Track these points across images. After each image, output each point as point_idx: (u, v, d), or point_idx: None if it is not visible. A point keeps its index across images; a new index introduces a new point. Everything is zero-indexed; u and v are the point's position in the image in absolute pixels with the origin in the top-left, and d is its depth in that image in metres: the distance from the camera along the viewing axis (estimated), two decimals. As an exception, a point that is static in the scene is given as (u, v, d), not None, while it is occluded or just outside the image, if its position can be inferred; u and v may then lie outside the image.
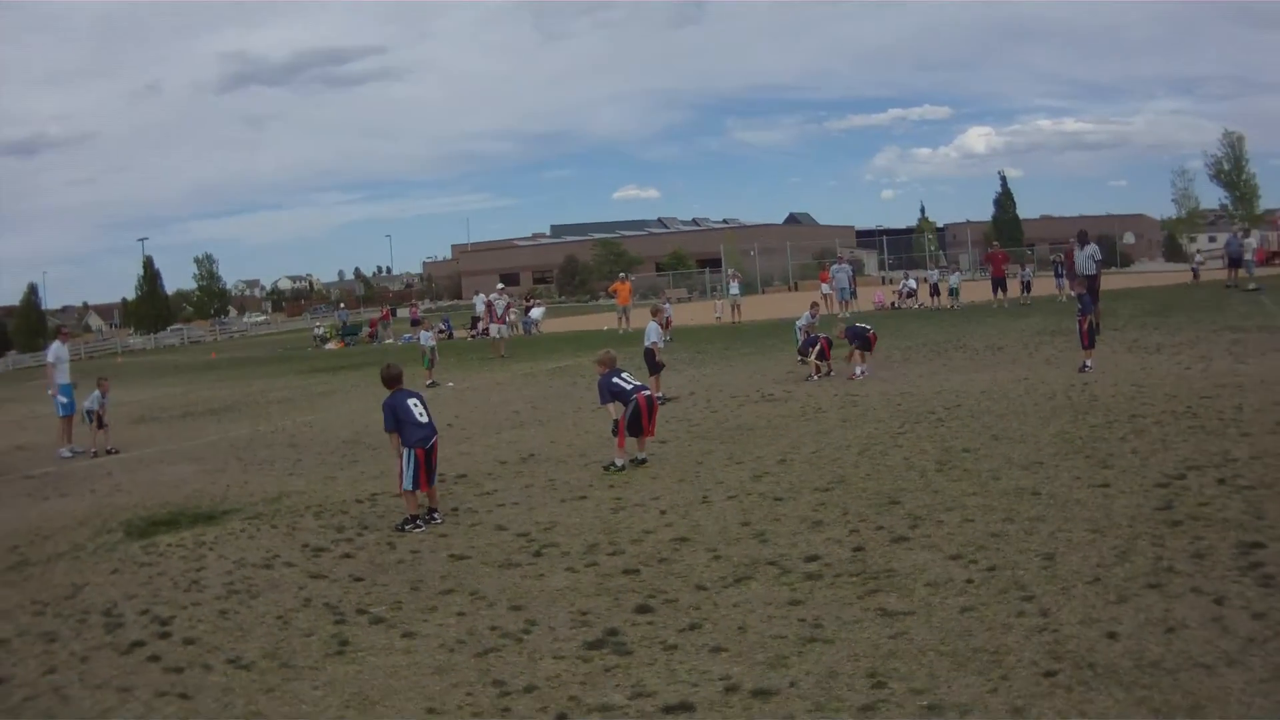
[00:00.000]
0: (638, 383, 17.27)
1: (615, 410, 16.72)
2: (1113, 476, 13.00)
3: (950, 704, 6.99)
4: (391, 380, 14.69)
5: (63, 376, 26.00)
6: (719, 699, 7.53)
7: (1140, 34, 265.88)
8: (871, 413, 19.70)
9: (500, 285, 59.19)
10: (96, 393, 25.35)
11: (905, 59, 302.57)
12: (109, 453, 24.80)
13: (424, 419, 14.30)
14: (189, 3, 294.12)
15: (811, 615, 9.08)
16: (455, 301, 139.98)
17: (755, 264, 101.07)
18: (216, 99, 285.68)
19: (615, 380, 16.77)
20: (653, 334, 24.89)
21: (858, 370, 24.89)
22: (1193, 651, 7.57)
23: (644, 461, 16.92)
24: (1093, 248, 32.36)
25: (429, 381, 33.95)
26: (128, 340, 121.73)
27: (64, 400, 25.73)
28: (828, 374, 25.55)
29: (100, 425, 25.36)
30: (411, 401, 14.39)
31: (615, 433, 16.87)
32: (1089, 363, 22.56)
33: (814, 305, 31.12)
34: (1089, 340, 23.11)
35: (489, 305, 51.37)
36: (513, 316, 58.41)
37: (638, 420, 16.77)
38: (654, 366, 24.29)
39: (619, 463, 16.74)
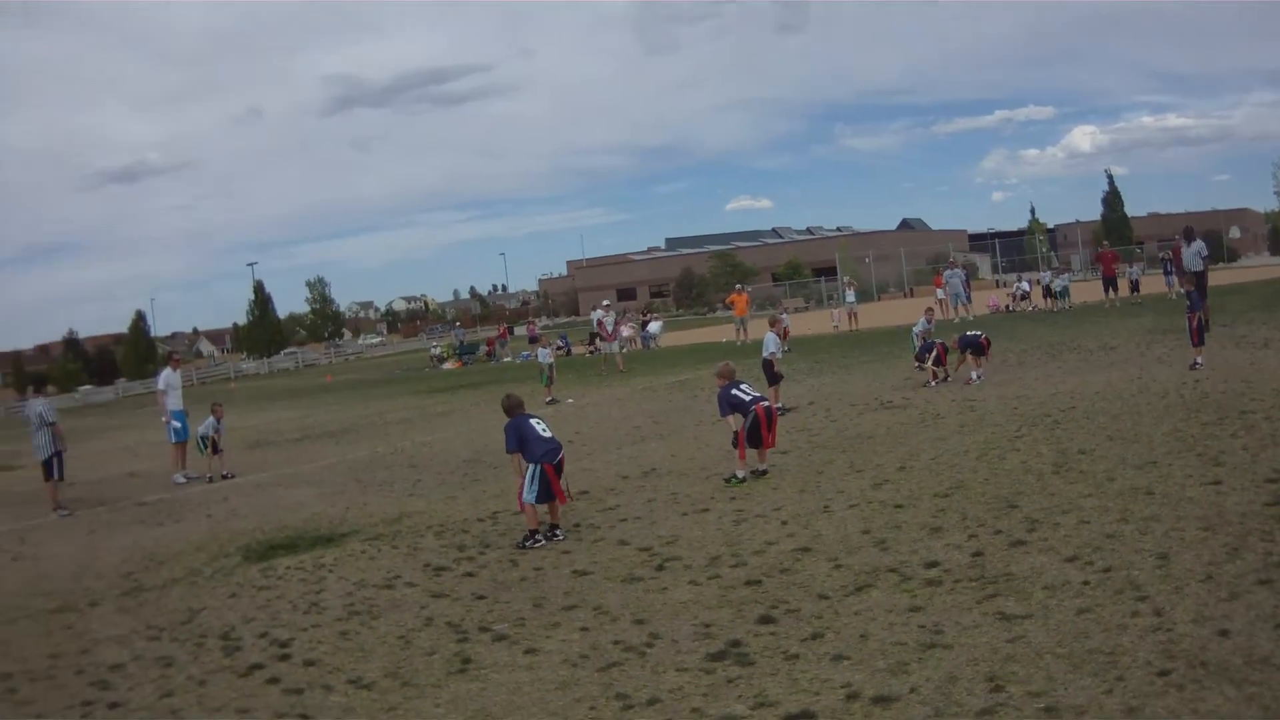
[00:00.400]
0: (757, 394, 17.20)
1: (735, 422, 16.69)
2: (1224, 473, 12.89)
3: (1067, 706, 7.04)
4: (512, 409, 14.90)
5: (174, 403, 26.10)
6: (840, 706, 7.61)
7: (1235, 25, 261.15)
8: (989, 417, 19.63)
9: (605, 302, 59.26)
10: (211, 419, 25.49)
11: (1007, 59, 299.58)
12: (224, 478, 24.99)
13: (547, 434, 14.54)
14: (289, 27, 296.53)
15: (931, 621, 9.12)
16: (572, 318, 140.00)
17: (870, 271, 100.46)
18: (320, 122, 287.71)
19: (734, 392, 16.79)
20: (771, 345, 24.75)
21: (973, 375, 24.79)
22: (1304, 647, 7.57)
23: (765, 473, 16.91)
24: (1199, 244, 32.03)
25: (548, 399, 34.08)
26: (240, 365, 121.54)
27: (176, 426, 25.79)
28: (944, 380, 25.47)
29: (215, 451, 25.46)
30: (534, 420, 14.73)
31: (735, 445, 16.88)
32: (1199, 360, 22.31)
33: (929, 310, 30.97)
34: (1198, 337, 22.86)
35: (599, 323, 51.41)
36: (627, 332, 58.54)
37: (757, 431, 16.72)
38: (773, 377, 24.24)
39: (740, 475, 16.71)
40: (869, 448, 18.28)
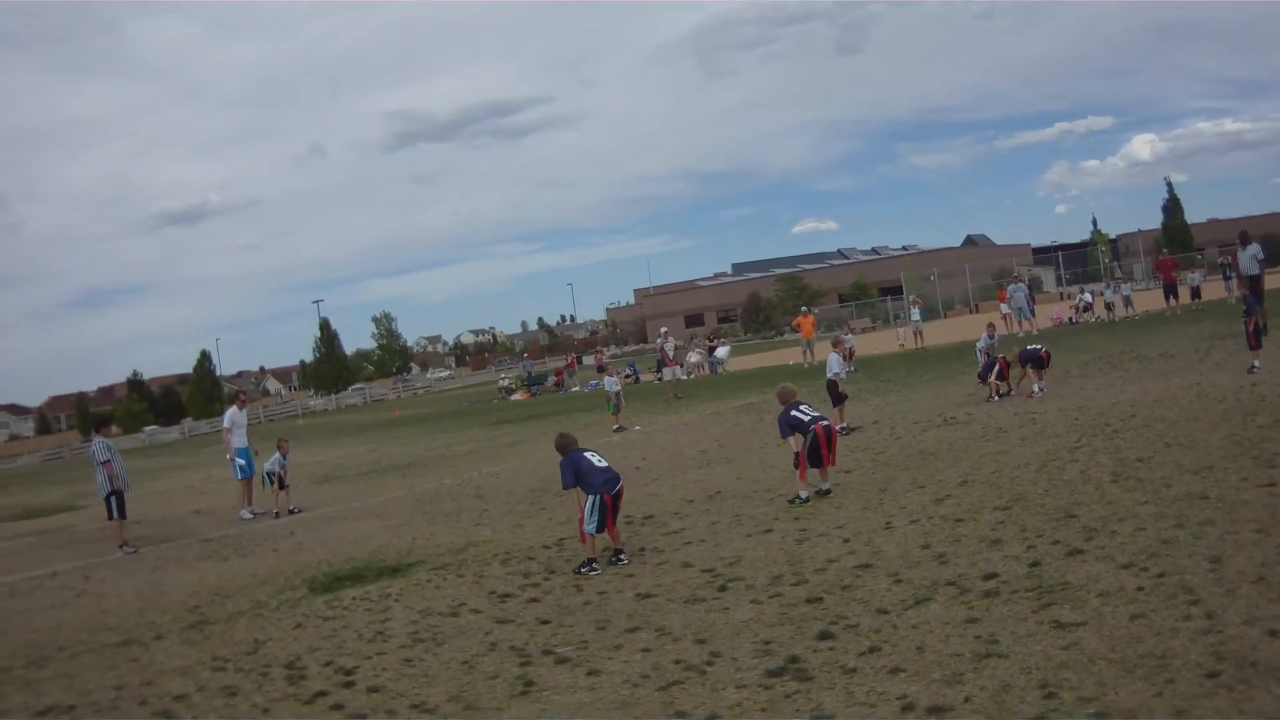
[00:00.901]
0: (816, 414, 17.16)
1: (795, 443, 16.70)
2: (1278, 475, 12.83)
3: (1117, 709, 7.04)
4: (565, 447, 14.96)
5: (240, 440, 26.36)
6: (896, 718, 7.60)
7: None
8: (1049, 429, 19.55)
9: (664, 329, 59.43)
10: (277, 455, 25.60)
11: (1064, 71, 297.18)
12: (291, 513, 25.08)
13: (603, 464, 14.59)
14: (348, 64, 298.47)
15: (987, 632, 9.12)
16: (640, 346, 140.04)
17: (935, 288, 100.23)
18: (384, 158, 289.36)
19: (793, 414, 16.79)
20: (834, 365, 24.90)
21: (1035, 388, 24.69)
22: (1352, 646, 7.55)
23: (828, 492, 16.86)
24: (1254, 247, 31.83)
25: (615, 427, 34.08)
26: (308, 402, 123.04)
27: (241, 463, 26.08)
28: (1007, 394, 25.38)
29: (281, 486, 25.53)
30: (589, 454, 14.78)
31: (796, 465, 16.90)
32: (1257, 363, 22.19)
33: (990, 326, 30.89)
34: (1256, 341, 22.78)
35: (661, 350, 51.55)
36: (695, 358, 58.61)
37: (817, 451, 16.72)
38: (837, 398, 24.35)
39: (803, 495, 16.73)
40: (931, 464, 18.28)
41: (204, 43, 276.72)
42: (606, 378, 41.69)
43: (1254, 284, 30.73)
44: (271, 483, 25.55)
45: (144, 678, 11.74)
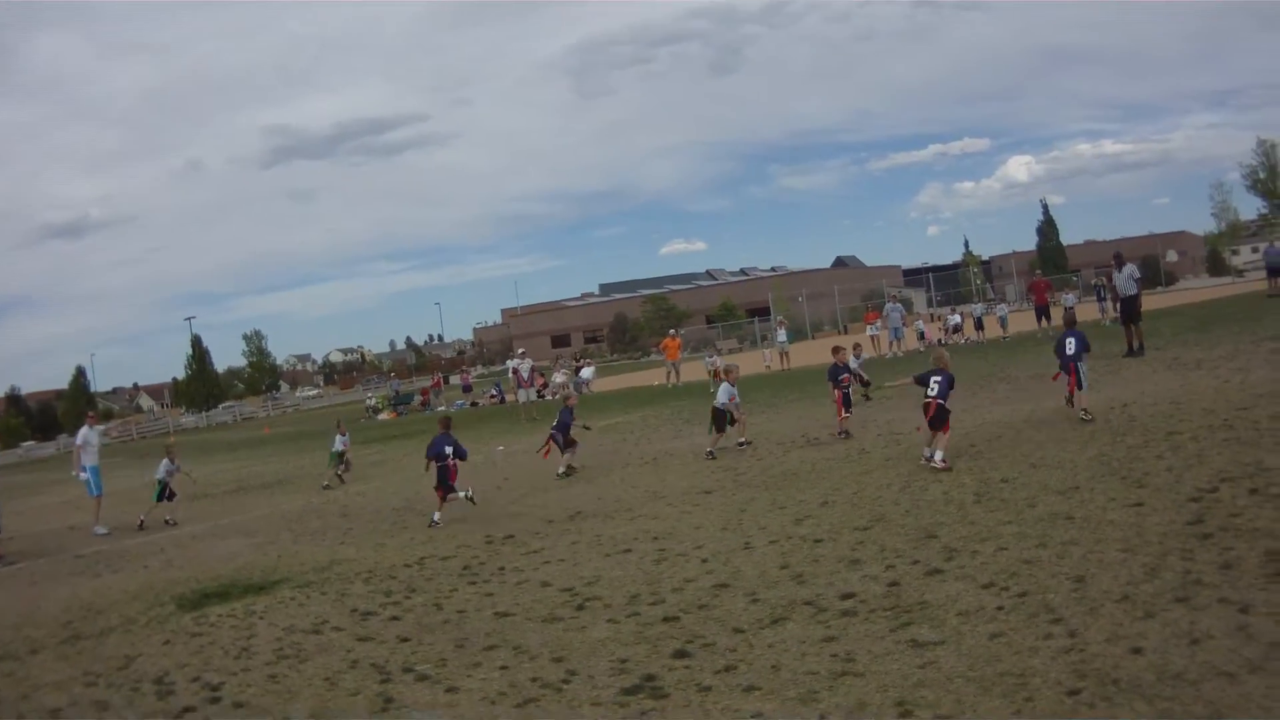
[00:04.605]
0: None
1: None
2: (1146, 495, 13.14)
3: (974, 726, 7.19)
4: (442, 425, 21.62)
5: (90, 459, 26.81)
6: (750, 735, 7.73)
7: (1171, 49, 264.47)
8: (913, 450, 19.65)
9: (520, 350, 59.67)
10: (165, 461, 26.15)
11: (943, 93, 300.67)
12: (167, 523, 25.51)
13: (444, 448, 20.55)
14: (228, 79, 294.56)
15: (844, 650, 9.30)
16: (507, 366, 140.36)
17: (804, 310, 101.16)
18: (260, 174, 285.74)
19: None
20: (724, 394, 25.12)
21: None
22: (1216, 661, 7.79)
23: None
24: (1130, 267, 32.40)
25: (324, 484, 31.15)
26: (180, 419, 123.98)
27: (90, 480, 26.60)
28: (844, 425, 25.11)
29: (169, 497, 26.22)
30: (444, 440, 20.69)
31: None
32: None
33: (857, 346, 31.24)
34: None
35: (515, 371, 51.67)
36: (560, 378, 58.69)
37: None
38: (720, 424, 24.60)
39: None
40: (793, 485, 18.47)
41: (89, 58, 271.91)
42: (337, 435, 33.65)
43: (1129, 304, 31.34)
44: (165, 492, 26.31)
45: (20, 691, 11.96)
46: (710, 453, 23.67)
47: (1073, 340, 21.33)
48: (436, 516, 20.16)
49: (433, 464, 20.73)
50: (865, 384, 27.75)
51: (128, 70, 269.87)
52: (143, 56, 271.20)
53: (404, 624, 12.87)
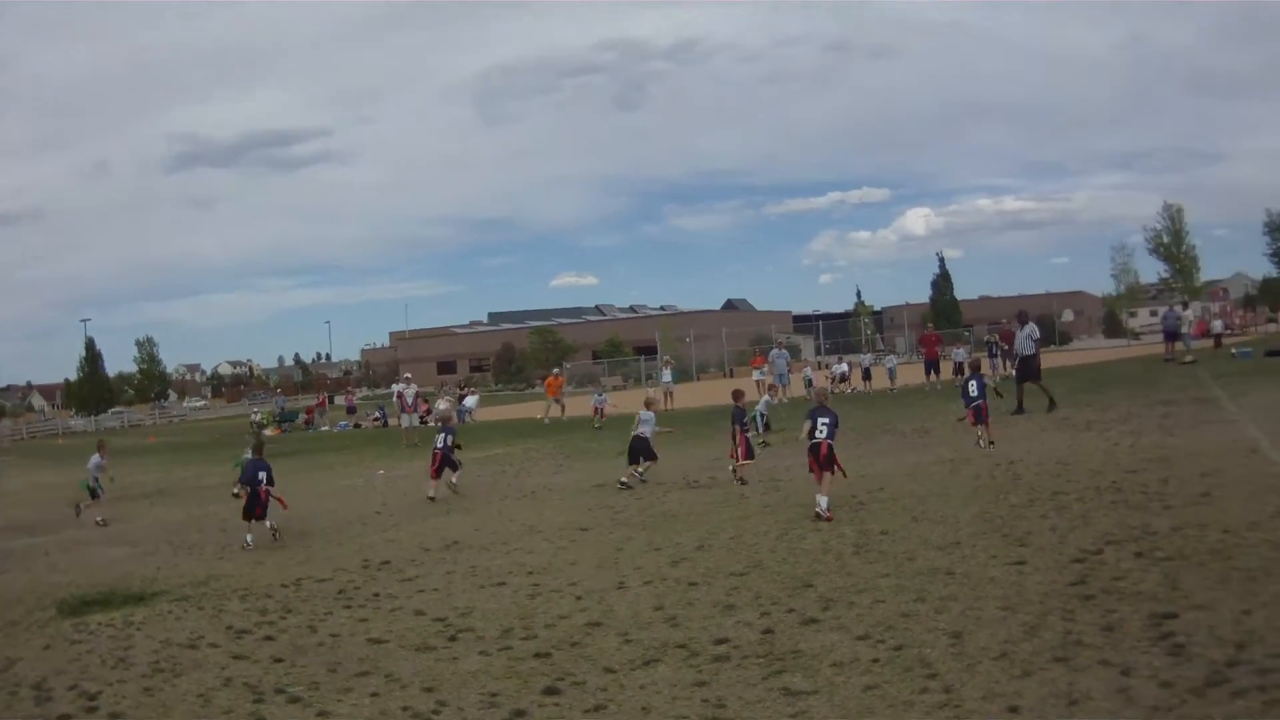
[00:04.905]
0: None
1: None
2: (1029, 554, 13.15)
3: (844, 779, 7.07)
4: (255, 450, 22.50)
5: None
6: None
7: (1081, 109, 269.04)
8: (793, 497, 19.73)
9: (406, 375, 59.61)
10: (96, 456, 27.08)
11: (846, 141, 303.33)
12: (98, 524, 26.02)
13: (257, 474, 21.13)
14: (140, 79, 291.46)
15: (715, 695, 9.23)
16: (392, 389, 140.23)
17: (691, 350, 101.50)
18: (164, 179, 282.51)
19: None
20: (648, 422, 25.37)
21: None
22: (1094, 722, 7.69)
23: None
24: (1030, 327, 32.70)
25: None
26: (69, 421, 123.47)
27: None
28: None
29: (94, 496, 27.03)
30: (257, 465, 21.38)
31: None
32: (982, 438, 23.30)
33: (772, 389, 31.43)
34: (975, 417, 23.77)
35: (399, 395, 51.53)
36: (444, 405, 58.39)
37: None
38: (648, 454, 24.81)
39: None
40: (670, 526, 18.41)
41: (13, 47, 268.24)
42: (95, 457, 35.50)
43: (1028, 363, 31.62)
44: (97, 491, 27.05)
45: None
46: (623, 482, 23.86)
47: (974, 383, 23.95)
48: (249, 539, 20.48)
49: (245, 489, 21.31)
50: (766, 428, 27.65)
51: (45, 59, 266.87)
52: (61, 46, 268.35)
53: (278, 644, 12.79)
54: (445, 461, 25.84)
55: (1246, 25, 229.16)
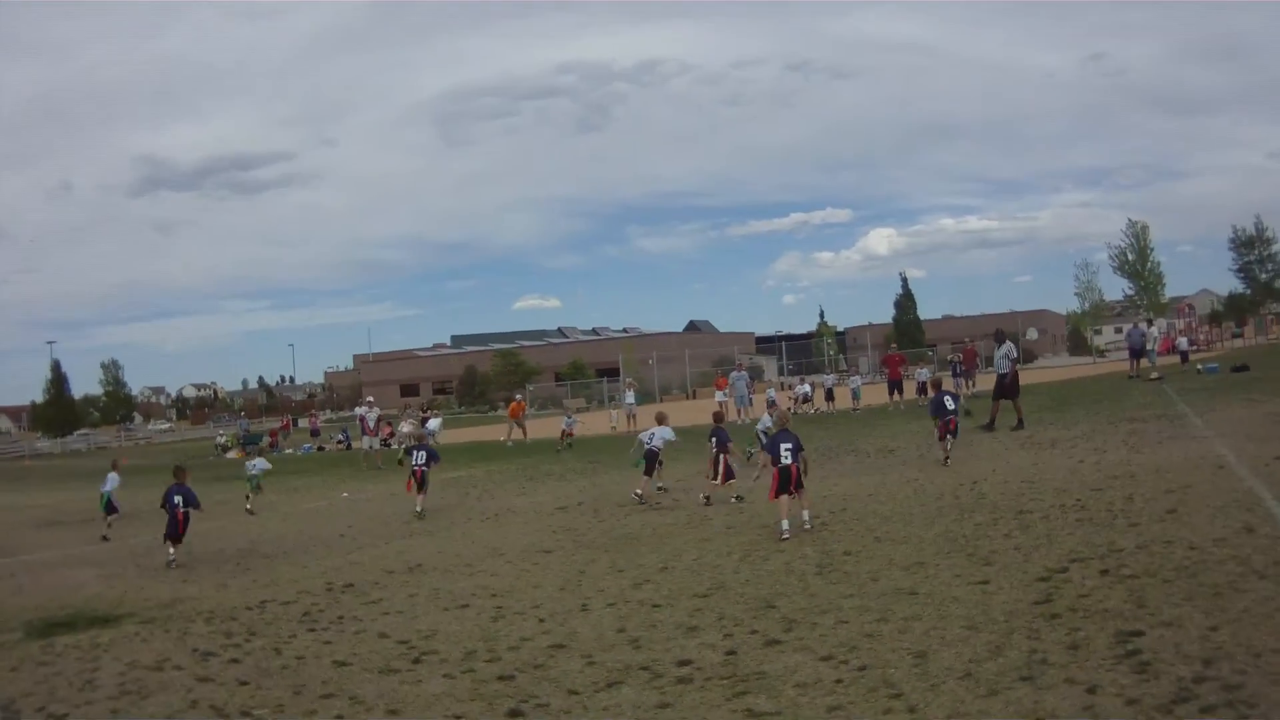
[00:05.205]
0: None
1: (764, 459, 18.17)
2: (993, 573, 13.17)
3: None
4: (174, 474, 23.44)
5: None
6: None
7: (1046, 127, 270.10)
8: (756, 519, 19.77)
9: (369, 399, 59.66)
10: (113, 474, 28.24)
11: (808, 162, 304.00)
12: (104, 540, 26.47)
13: (174, 498, 22.14)
14: (105, 100, 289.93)
15: (679, 717, 9.24)
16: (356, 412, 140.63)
17: (654, 372, 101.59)
18: (127, 202, 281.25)
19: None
20: (665, 436, 25.32)
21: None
22: (1059, 741, 7.70)
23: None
24: (1007, 345, 33.17)
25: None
26: (35, 443, 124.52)
27: None
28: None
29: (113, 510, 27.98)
30: (175, 490, 22.33)
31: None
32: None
33: (771, 406, 31.57)
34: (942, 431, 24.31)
35: (362, 419, 51.53)
36: (407, 428, 58.40)
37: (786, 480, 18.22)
38: (651, 467, 24.81)
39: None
40: (633, 548, 18.42)
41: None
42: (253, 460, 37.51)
43: (999, 381, 31.90)
44: (113, 507, 27.99)
45: None
46: (638, 495, 23.92)
47: (949, 398, 25.04)
48: (172, 552, 21.66)
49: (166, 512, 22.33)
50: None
51: (5, 74, 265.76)
52: (22, 64, 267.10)
53: (243, 667, 12.78)
54: (424, 479, 26.70)
55: (1209, 43, 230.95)
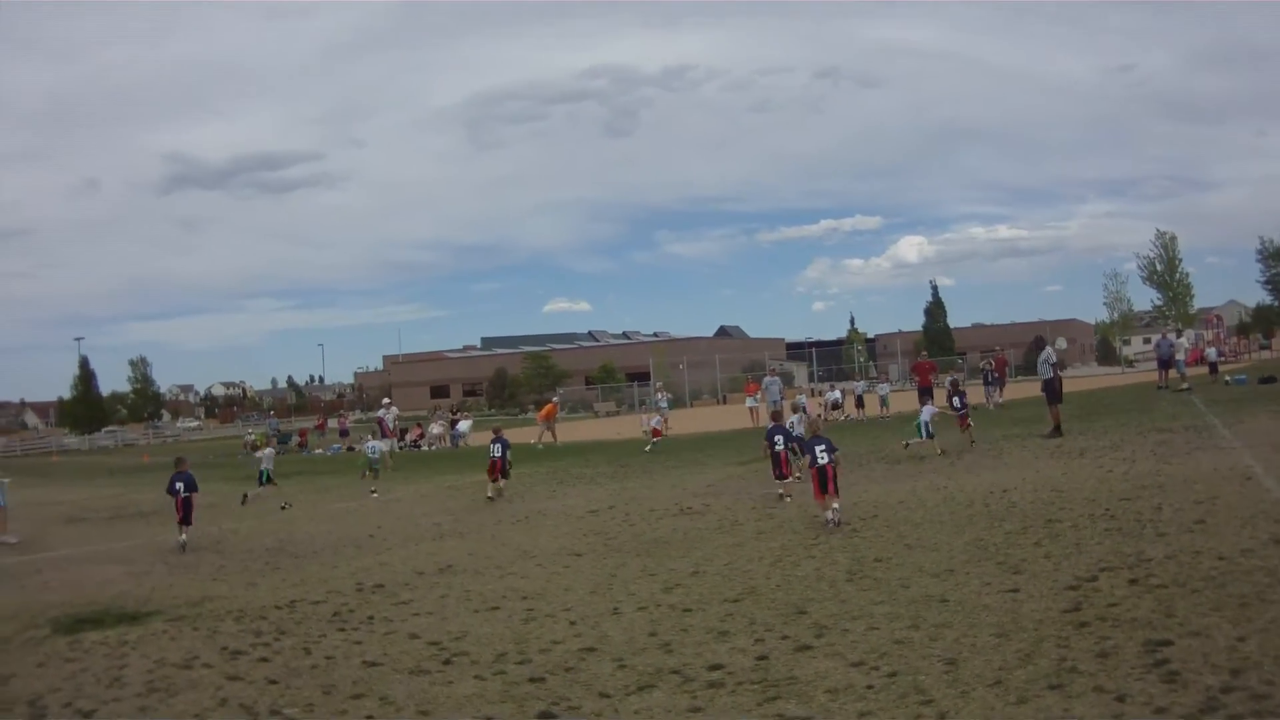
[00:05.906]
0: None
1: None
2: (1023, 581, 13.16)
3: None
4: (176, 464, 25.29)
5: None
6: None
7: (1072, 136, 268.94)
8: (787, 524, 19.84)
9: (386, 400, 59.67)
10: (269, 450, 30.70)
11: (837, 169, 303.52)
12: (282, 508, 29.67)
13: (176, 485, 24.40)
14: (133, 99, 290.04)
15: (710, 721, 9.16)
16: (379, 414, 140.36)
17: (684, 377, 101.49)
18: (155, 200, 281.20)
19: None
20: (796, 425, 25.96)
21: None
22: (1088, 749, 7.74)
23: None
24: (1048, 351, 33.51)
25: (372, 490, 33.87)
26: (63, 440, 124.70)
27: None
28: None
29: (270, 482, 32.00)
30: (177, 477, 24.54)
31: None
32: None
33: (796, 408, 31.73)
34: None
35: (380, 420, 51.55)
36: (437, 429, 58.50)
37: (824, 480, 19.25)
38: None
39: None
40: (664, 552, 18.41)
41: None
42: (375, 441, 40.59)
43: (1047, 385, 31.97)
44: (267, 479, 31.57)
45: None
46: (780, 495, 23.60)
47: (957, 398, 29.95)
48: (183, 536, 23.91)
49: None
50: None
51: (34, 74, 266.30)
52: (52, 62, 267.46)
53: (273, 666, 12.79)
54: (503, 468, 29.87)
55: (1234, 52, 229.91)
